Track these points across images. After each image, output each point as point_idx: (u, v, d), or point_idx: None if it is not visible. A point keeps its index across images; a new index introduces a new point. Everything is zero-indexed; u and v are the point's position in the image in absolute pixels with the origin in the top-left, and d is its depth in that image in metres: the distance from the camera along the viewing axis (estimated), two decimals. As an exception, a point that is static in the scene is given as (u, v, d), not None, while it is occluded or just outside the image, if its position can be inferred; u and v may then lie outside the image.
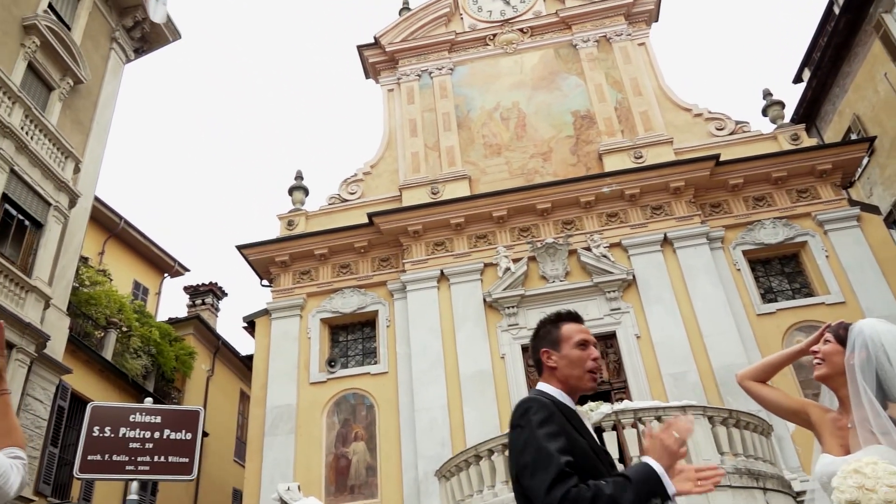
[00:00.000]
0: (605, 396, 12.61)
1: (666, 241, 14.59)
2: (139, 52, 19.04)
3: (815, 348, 2.61)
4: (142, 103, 69.55)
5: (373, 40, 18.65)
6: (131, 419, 7.74)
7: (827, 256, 14.04)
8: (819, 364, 2.56)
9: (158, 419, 7.82)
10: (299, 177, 17.28)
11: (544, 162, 16.37)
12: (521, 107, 17.34)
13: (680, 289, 13.97)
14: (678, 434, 2.07)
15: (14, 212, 13.60)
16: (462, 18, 19.10)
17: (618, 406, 9.34)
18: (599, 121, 16.63)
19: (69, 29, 16.57)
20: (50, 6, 16.13)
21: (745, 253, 14.45)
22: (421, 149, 16.94)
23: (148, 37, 18.99)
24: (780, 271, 14.60)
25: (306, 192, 17.14)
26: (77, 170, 15.46)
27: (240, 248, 15.81)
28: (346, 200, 16.75)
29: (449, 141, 16.92)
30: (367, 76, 19.26)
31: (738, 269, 14.25)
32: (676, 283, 14.03)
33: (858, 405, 2.37)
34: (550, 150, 16.54)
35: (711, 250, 14.43)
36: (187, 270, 23.44)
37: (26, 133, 13.83)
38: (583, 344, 2.35)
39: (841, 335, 2.54)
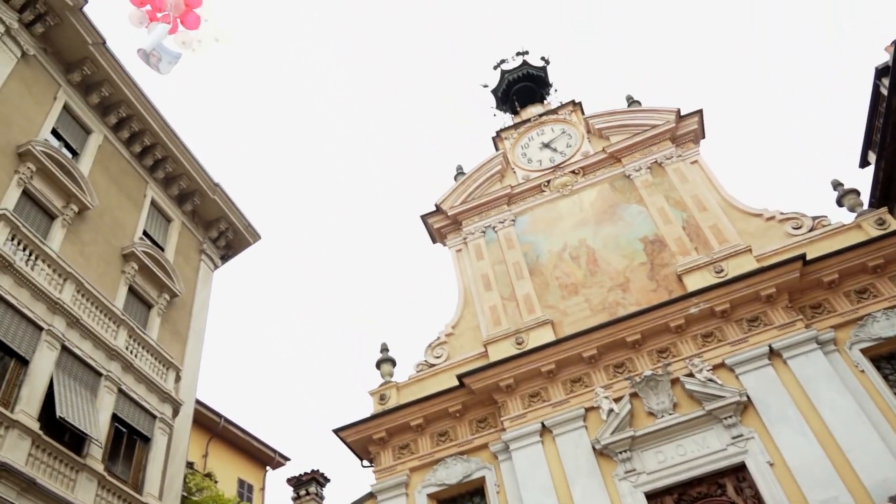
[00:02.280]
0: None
1: (773, 354, 13.71)
2: (225, 259, 20.56)
3: None
4: (227, 299, 73.90)
5: (434, 208, 19.58)
6: None
7: (958, 339, 12.80)
8: None
9: None
10: (385, 349, 17.51)
11: (624, 293, 16.13)
12: (589, 243, 17.47)
13: (803, 403, 12.86)
14: None
15: (123, 429, 14.17)
16: (514, 172, 19.97)
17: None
18: (670, 242, 16.49)
19: (162, 250, 18.19)
20: (145, 233, 17.87)
21: (863, 351, 13.36)
22: (498, 301, 17.05)
23: (232, 243, 20.61)
24: (910, 364, 13.34)
25: (394, 363, 17.26)
26: (178, 378, 16.20)
27: (336, 431, 15.77)
28: (434, 365, 16.71)
29: (524, 289, 17.01)
30: (434, 241, 20.01)
31: (862, 371, 13.10)
32: (798, 398, 12.95)
33: None
34: (627, 280, 16.34)
35: (826, 355, 13.42)
36: (288, 460, 23.42)
37: (131, 352, 14.76)
38: None
39: None
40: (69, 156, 15.90)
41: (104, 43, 16.89)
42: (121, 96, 17.65)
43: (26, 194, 14.24)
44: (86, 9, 16.37)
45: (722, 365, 13.90)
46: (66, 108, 16.55)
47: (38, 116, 15.51)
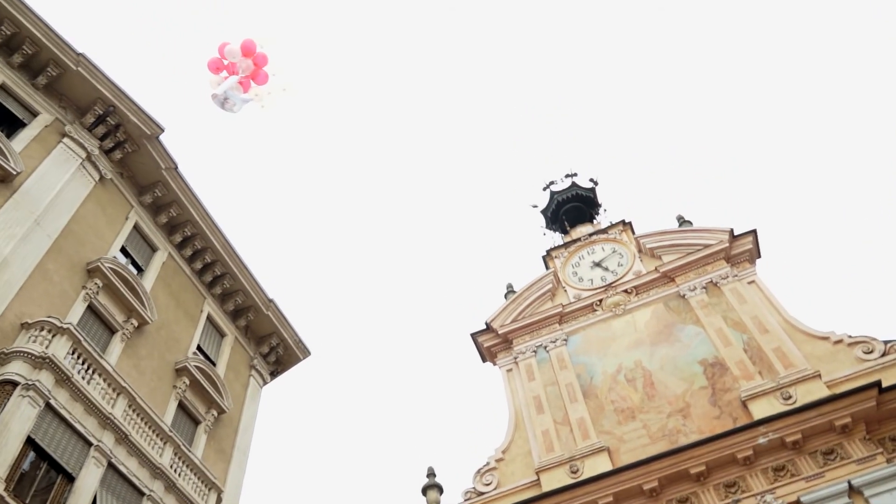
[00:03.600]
0: None
1: (854, 491, 12.55)
2: (274, 375, 20.57)
3: None
4: (272, 415, 73.20)
5: (484, 326, 19.38)
6: None
7: None
8: None
9: None
10: (431, 473, 16.76)
11: (684, 419, 15.28)
12: (645, 365, 16.85)
13: (893, 549, 11.59)
14: None
15: (162, 555, 13.67)
16: (566, 290, 19.78)
17: None
18: (731, 366, 15.77)
19: (214, 364, 18.35)
20: (198, 347, 18.13)
21: (957, 491, 12.13)
22: (551, 425, 16.34)
23: (282, 359, 20.68)
24: None
25: (440, 489, 16.45)
26: (219, 500, 15.75)
27: (379, 563, 14.86)
28: (483, 493, 15.80)
29: (578, 413, 16.31)
30: (484, 360, 19.64)
31: (958, 514, 11.83)
32: (886, 543, 11.69)
33: None
34: (688, 406, 15.54)
35: (913, 494, 12.22)
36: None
37: (175, 471, 14.51)
38: None
39: None
40: (135, 272, 16.57)
41: (176, 168, 18.04)
42: (187, 216, 18.58)
43: (91, 309, 14.77)
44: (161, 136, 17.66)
45: (798, 503, 12.77)
46: (135, 227, 17.48)
47: (109, 235, 16.39)
